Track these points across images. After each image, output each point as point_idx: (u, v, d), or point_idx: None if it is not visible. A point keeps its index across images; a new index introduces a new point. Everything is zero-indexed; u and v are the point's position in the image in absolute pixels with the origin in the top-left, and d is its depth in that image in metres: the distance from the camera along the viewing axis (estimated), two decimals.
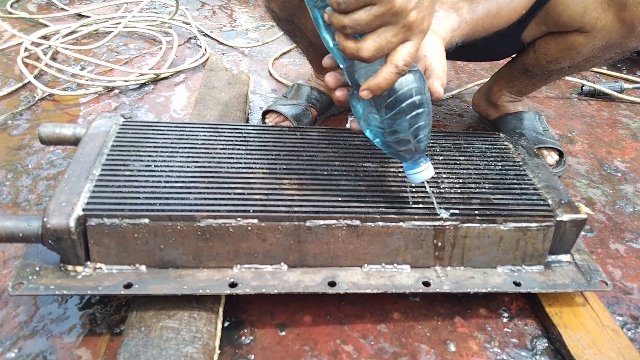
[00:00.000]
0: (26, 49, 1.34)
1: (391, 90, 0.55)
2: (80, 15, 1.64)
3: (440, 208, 0.66)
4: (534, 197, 0.70)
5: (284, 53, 1.51)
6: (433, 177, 0.67)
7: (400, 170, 0.73)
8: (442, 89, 0.60)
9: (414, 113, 0.56)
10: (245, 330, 0.67)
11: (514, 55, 1.05)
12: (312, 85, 1.14)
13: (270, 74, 1.39)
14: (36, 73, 1.27)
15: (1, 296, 0.70)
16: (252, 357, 0.64)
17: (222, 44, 1.56)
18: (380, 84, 0.52)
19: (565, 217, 0.68)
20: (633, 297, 0.77)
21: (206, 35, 1.60)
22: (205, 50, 1.46)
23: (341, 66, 0.57)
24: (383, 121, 0.57)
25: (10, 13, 1.64)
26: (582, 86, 1.39)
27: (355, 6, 0.48)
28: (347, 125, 1.12)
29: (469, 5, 0.74)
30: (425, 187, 0.65)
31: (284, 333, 0.67)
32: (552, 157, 1.03)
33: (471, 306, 0.73)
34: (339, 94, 0.59)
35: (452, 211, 0.66)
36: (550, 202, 0.70)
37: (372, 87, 0.53)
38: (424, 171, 0.61)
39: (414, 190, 0.69)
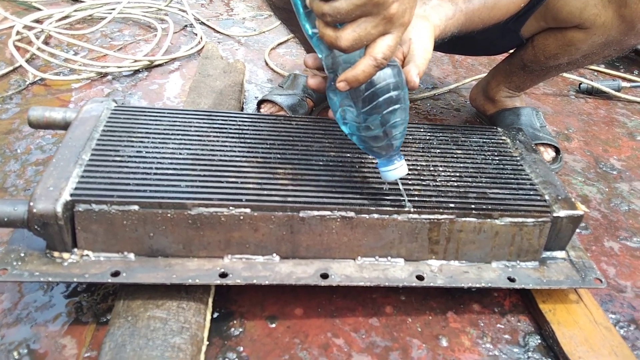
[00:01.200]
0: (18, 32, 1.32)
1: (368, 83, 0.53)
2: (74, 0, 1.61)
3: (409, 202, 0.64)
4: (531, 193, 0.70)
5: (281, 43, 1.49)
6: (412, 172, 0.66)
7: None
8: (417, 79, 0.58)
9: (390, 109, 0.55)
10: (235, 322, 0.66)
11: (512, 51, 1.04)
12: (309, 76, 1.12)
13: (267, 64, 1.37)
14: (28, 57, 1.24)
15: None
16: (241, 349, 0.63)
17: (218, 32, 1.54)
18: (357, 76, 0.51)
19: (562, 213, 0.67)
20: (626, 295, 0.77)
21: (202, 23, 1.58)
22: (201, 38, 1.43)
23: (320, 56, 0.55)
24: (359, 115, 0.56)
25: None
26: (580, 84, 1.38)
27: None
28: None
29: None
30: (397, 182, 0.63)
31: (274, 325, 0.66)
32: (548, 154, 1.03)
33: (464, 301, 0.72)
34: (312, 81, 0.58)
35: (450, 204, 0.65)
36: (547, 197, 0.69)
37: (349, 78, 0.52)
38: (397, 169, 0.60)
39: (410, 183, 0.68)
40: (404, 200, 0.64)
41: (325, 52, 0.54)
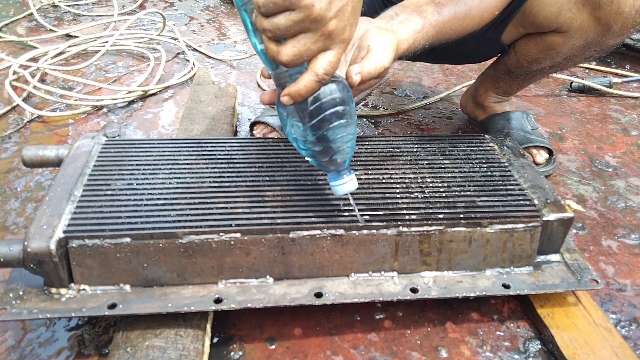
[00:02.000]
0: (15, 72, 1.35)
1: (313, 98, 0.55)
2: (68, 36, 1.64)
3: (362, 216, 0.64)
4: (520, 198, 0.70)
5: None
6: (403, 183, 0.66)
7: (385, 177, 0.73)
8: (357, 77, 0.60)
9: (336, 123, 0.56)
10: (235, 346, 0.67)
11: (496, 57, 1.05)
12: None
13: (259, 85, 1.39)
14: (24, 95, 1.27)
15: None
16: None
17: (210, 57, 1.57)
18: (300, 90, 0.53)
19: (552, 217, 0.67)
20: (626, 294, 0.76)
21: (194, 49, 1.61)
22: (194, 64, 1.46)
23: (269, 72, 0.57)
24: (305, 130, 0.57)
25: None
26: (571, 82, 1.38)
27: (274, 10, 0.48)
28: None
29: (434, 8, 0.74)
30: (349, 198, 0.64)
31: (273, 347, 0.67)
32: (541, 156, 1.03)
33: (462, 310, 0.72)
34: (264, 96, 0.60)
35: (439, 215, 0.65)
36: (536, 202, 0.69)
37: (292, 93, 0.53)
38: (347, 183, 0.61)
39: (398, 197, 0.68)
40: (355, 215, 0.64)
41: (273, 67, 0.56)
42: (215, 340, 0.67)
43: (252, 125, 1.10)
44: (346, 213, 0.65)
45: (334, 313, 0.71)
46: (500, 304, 0.73)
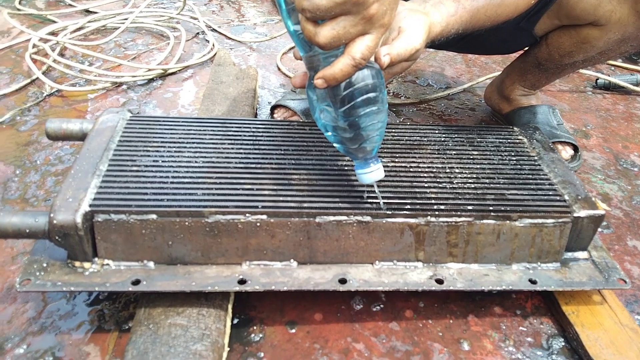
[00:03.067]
0: (34, 45, 1.34)
1: (347, 83, 0.53)
2: (87, 11, 1.63)
3: (385, 204, 0.63)
4: (550, 193, 0.69)
5: (292, 47, 1.49)
6: (435, 173, 0.65)
7: (412, 165, 0.71)
8: (387, 59, 0.58)
9: (367, 110, 0.54)
10: (255, 328, 0.66)
11: (526, 49, 1.03)
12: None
13: (279, 69, 1.37)
14: (44, 69, 1.27)
15: (10, 292, 0.69)
16: (262, 354, 0.63)
17: (230, 38, 1.55)
18: (335, 74, 0.51)
19: (583, 213, 0.66)
20: None
21: (214, 30, 1.59)
22: (213, 45, 1.44)
23: (301, 54, 0.55)
24: (336, 115, 0.55)
25: (19, 10, 1.63)
26: (597, 79, 1.36)
27: None
28: None
29: None
30: (374, 187, 0.63)
31: (293, 330, 0.66)
32: (566, 152, 1.01)
33: (485, 304, 0.71)
34: (295, 79, 0.58)
35: (468, 206, 0.64)
36: (566, 197, 0.68)
37: (326, 76, 0.52)
38: (373, 172, 0.59)
39: (426, 186, 0.67)
40: (378, 202, 0.63)
41: (306, 49, 0.54)
42: (235, 321, 0.67)
43: (273, 108, 1.09)
44: (372, 200, 0.64)
45: (354, 300, 0.70)
46: (524, 300, 0.72)
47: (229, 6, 1.83)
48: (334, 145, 0.60)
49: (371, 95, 0.54)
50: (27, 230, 0.59)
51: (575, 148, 1.02)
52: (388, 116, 1.15)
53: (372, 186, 0.63)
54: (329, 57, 0.53)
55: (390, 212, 0.62)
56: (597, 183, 0.99)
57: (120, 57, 1.37)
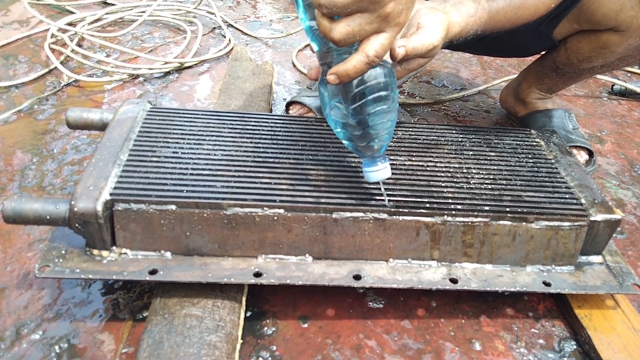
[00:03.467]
0: (53, 35, 1.35)
1: (359, 81, 0.54)
2: (105, 3, 1.64)
3: (390, 201, 0.63)
4: (567, 196, 0.68)
5: (308, 45, 1.50)
6: (451, 173, 0.65)
7: (429, 165, 0.72)
8: (401, 51, 0.58)
9: (379, 108, 0.55)
10: (268, 321, 0.67)
11: (543, 52, 1.02)
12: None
13: (294, 66, 1.38)
14: (62, 59, 1.28)
15: (26, 278, 0.70)
16: (274, 348, 0.63)
17: (246, 34, 1.56)
18: (348, 70, 0.52)
19: (599, 217, 0.66)
20: None
21: (230, 25, 1.60)
22: (230, 40, 1.45)
23: (315, 49, 0.56)
24: (346, 112, 0.56)
25: (38, 0, 1.65)
26: (613, 85, 1.35)
27: None
28: None
29: None
30: (380, 186, 0.63)
31: (306, 325, 0.67)
32: (581, 157, 1.01)
33: (497, 305, 0.71)
34: (311, 71, 0.58)
35: (485, 207, 0.64)
36: (583, 201, 0.68)
37: (339, 72, 0.52)
38: (380, 171, 0.59)
39: (443, 185, 0.67)
40: (384, 199, 0.63)
41: (320, 45, 0.55)
42: (248, 314, 0.67)
43: (288, 104, 1.09)
44: (388, 198, 0.64)
45: (366, 297, 0.71)
46: (536, 302, 0.72)
47: (245, 2, 1.83)
48: (343, 142, 0.60)
49: (382, 93, 0.55)
50: (48, 217, 0.60)
51: (590, 153, 1.02)
52: (402, 115, 1.15)
53: (386, 183, 0.63)
54: (343, 54, 0.53)
55: (394, 210, 0.62)
56: (611, 189, 0.99)
57: (137, 50, 1.38)
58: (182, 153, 0.68)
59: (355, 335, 0.66)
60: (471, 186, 0.68)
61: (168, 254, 0.63)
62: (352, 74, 0.52)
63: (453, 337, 0.67)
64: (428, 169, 0.71)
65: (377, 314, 0.69)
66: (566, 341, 0.67)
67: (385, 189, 0.65)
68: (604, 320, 0.67)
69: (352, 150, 0.61)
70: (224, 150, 0.69)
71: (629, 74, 1.47)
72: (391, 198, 0.64)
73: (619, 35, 0.83)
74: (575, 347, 0.67)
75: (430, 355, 0.64)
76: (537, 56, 1.05)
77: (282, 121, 0.78)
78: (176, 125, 0.73)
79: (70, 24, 1.42)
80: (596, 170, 1.03)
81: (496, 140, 0.78)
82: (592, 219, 0.66)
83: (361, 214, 0.63)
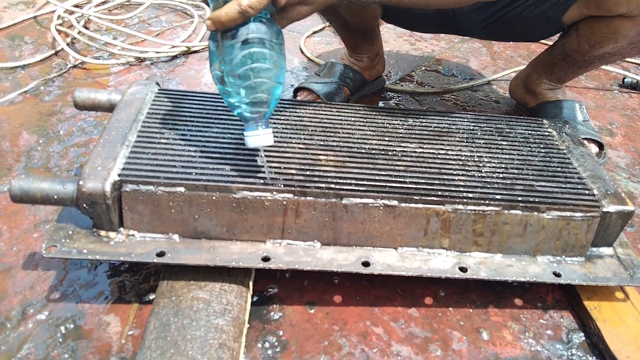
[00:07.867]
0: (59, 17, 1.34)
1: (238, 32, 0.53)
2: None
3: (272, 178, 0.61)
4: (579, 186, 0.68)
5: (316, 31, 1.48)
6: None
7: (440, 152, 0.71)
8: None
9: (257, 65, 0.54)
10: (275, 306, 0.66)
11: (553, 42, 1.01)
12: (346, 64, 1.11)
13: (302, 52, 1.36)
14: (69, 41, 1.27)
15: (32, 259, 0.70)
16: (281, 333, 0.63)
17: None
18: (220, 16, 0.52)
19: (612, 208, 0.65)
20: None
21: None
22: None
23: (210, 4, 0.55)
24: (224, 65, 0.55)
25: None
26: (624, 78, 1.33)
27: None
28: (380, 104, 1.09)
29: None
30: (261, 155, 0.61)
31: (313, 311, 0.66)
32: (591, 149, 0.99)
33: (505, 295, 0.71)
34: (208, 22, 0.57)
35: (497, 196, 0.63)
36: (595, 192, 0.67)
37: (213, 17, 0.52)
38: (259, 136, 0.58)
39: (454, 173, 0.67)
40: (264, 173, 0.61)
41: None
42: (255, 299, 0.67)
43: (296, 90, 1.08)
44: (398, 185, 0.63)
45: (374, 284, 0.70)
46: (545, 293, 0.72)
47: None
48: (225, 103, 0.58)
49: (261, 50, 0.54)
50: (55, 197, 0.59)
51: (600, 145, 1.01)
52: (411, 104, 1.14)
53: (396, 170, 0.62)
54: (222, 2, 0.53)
55: (405, 197, 0.61)
56: (621, 181, 0.98)
57: (144, 33, 1.36)
58: (190, 135, 0.67)
59: (362, 322, 0.65)
60: (483, 175, 0.67)
61: (176, 237, 0.62)
62: (225, 21, 0.52)
63: (461, 326, 0.66)
64: (439, 156, 0.70)
65: (384, 302, 0.68)
66: (574, 332, 0.67)
67: (397, 176, 0.64)
68: (613, 312, 0.67)
69: (238, 117, 0.59)
70: (233, 133, 0.68)
71: None
72: (273, 171, 0.62)
73: (631, 20, 0.82)
74: (583, 338, 0.66)
75: (437, 343, 0.64)
76: (546, 47, 1.04)
77: (291, 106, 0.77)
78: (185, 107, 0.72)
79: (76, 6, 1.40)
80: (606, 162, 1.02)
81: (508, 129, 0.77)
82: (604, 210, 0.65)
83: (371, 200, 0.62)
